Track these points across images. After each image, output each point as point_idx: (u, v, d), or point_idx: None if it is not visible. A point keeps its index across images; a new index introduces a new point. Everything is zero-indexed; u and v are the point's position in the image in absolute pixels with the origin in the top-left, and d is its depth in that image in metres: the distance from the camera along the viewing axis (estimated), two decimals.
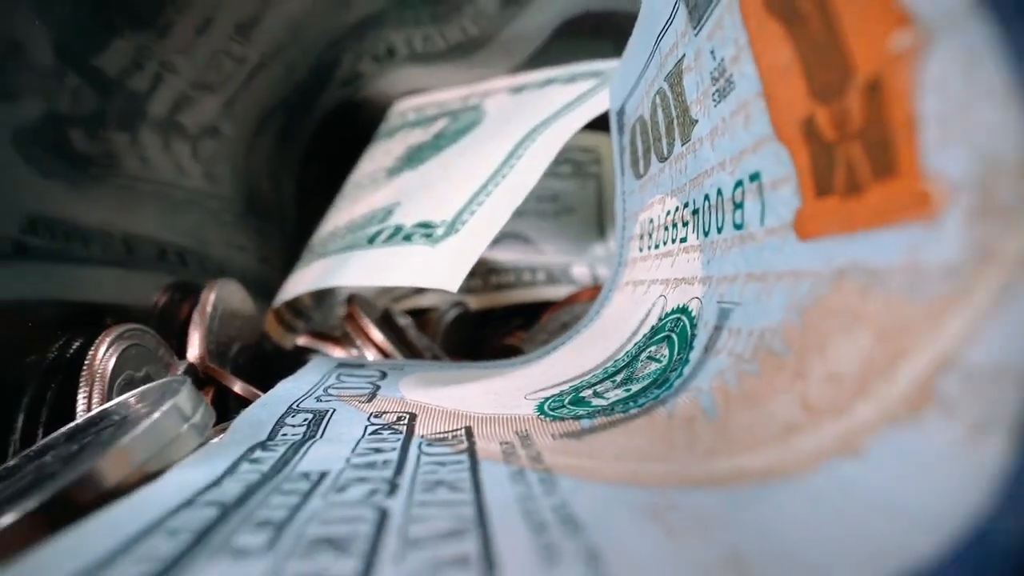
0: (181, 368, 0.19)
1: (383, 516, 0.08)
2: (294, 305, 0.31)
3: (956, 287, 0.07)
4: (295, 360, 0.27)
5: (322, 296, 0.34)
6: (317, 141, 0.42)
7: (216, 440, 0.13)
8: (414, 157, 0.29)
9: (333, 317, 0.34)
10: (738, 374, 0.11)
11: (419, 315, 0.33)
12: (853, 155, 0.08)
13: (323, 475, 0.10)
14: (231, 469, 0.11)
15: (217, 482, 0.10)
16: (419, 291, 0.33)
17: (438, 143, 0.28)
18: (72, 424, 0.14)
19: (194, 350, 0.22)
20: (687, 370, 0.13)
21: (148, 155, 0.29)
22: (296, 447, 0.12)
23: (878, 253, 0.08)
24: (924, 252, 0.07)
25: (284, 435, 0.13)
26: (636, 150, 0.20)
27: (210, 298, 0.23)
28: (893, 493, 0.07)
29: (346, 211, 0.29)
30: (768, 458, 0.08)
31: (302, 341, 0.26)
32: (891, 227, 0.08)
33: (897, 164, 0.08)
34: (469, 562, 0.07)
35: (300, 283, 0.26)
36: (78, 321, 0.21)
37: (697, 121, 0.14)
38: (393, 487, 0.09)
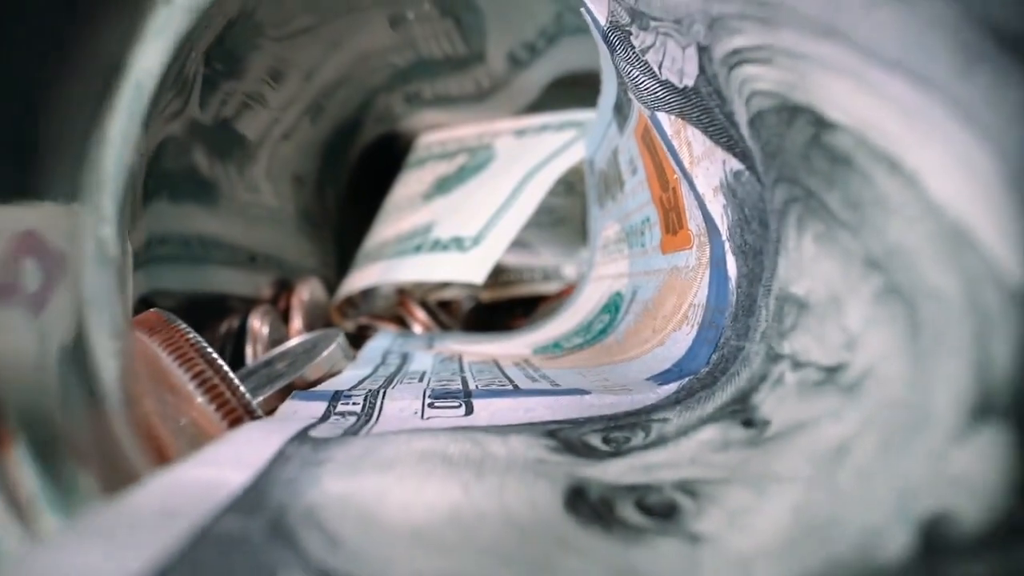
0: (300, 336, 0.30)
1: (463, 378, 0.19)
2: (349, 299, 0.42)
3: (694, 274, 0.18)
4: (356, 338, 0.38)
5: (367, 292, 0.45)
6: (358, 166, 0.53)
7: (351, 364, 0.24)
8: (443, 186, 0.40)
9: (375, 307, 0.45)
10: (635, 322, 0.22)
11: (443, 306, 0.44)
12: (672, 217, 0.20)
13: (424, 371, 0.21)
14: (375, 370, 0.22)
15: (373, 373, 0.21)
16: (443, 286, 0.44)
17: (461, 176, 0.39)
18: (263, 358, 0.25)
19: (297, 324, 0.33)
20: (614, 325, 0.24)
21: (233, 180, 0.40)
22: (400, 365, 0.23)
23: (679, 261, 0.19)
24: (688, 260, 0.18)
25: (390, 361, 0.24)
26: (600, 188, 0.31)
27: (305, 289, 0.34)
28: (668, 352, 0.18)
29: (392, 226, 0.40)
30: (634, 352, 0.20)
31: (363, 321, 0.37)
32: (682, 250, 0.19)
33: (683, 223, 0.19)
34: (501, 378, 0.18)
35: (362, 280, 0.37)
36: (215, 306, 0.32)
37: (625, 182, 0.25)
38: (461, 372, 0.20)
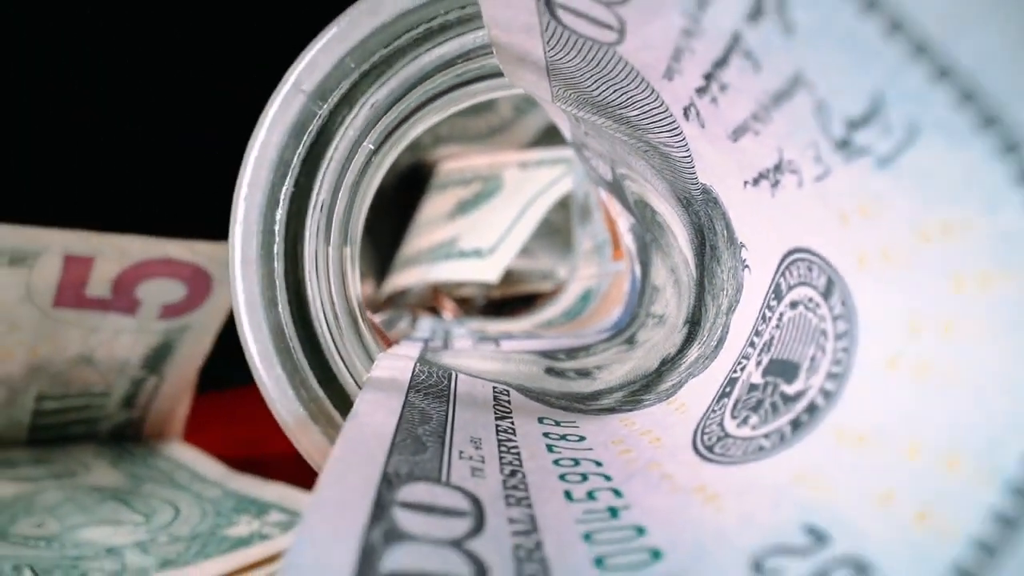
0: (376, 316, 0.44)
1: (493, 339, 0.33)
2: (389, 296, 0.56)
3: (625, 275, 0.32)
4: None
5: (402, 291, 0.59)
6: (390, 187, 0.67)
7: (414, 332, 0.38)
8: (463, 208, 0.54)
9: (408, 300, 0.59)
10: (596, 305, 0.36)
11: (462, 301, 0.58)
12: (616, 240, 0.34)
13: (464, 335, 0.35)
14: (432, 335, 0.36)
15: (431, 336, 0.35)
16: (461, 285, 0.59)
17: (477, 201, 0.54)
18: None
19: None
20: (586, 308, 0.38)
21: None
22: (447, 337, 0.37)
23: (619, 267, 0.33)
24: (623, 266, 0.33)
25: (438, 334, 0.38)
26: (581, 213, 0.46)
27: (364, 287, 0.48)
28: (610, 320, 0.32)
29: (425, 238, 0.54)
30: (594, 321, 0.34)
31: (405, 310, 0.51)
32: (621, 260, 0.33)
33: (618, 243, 0.33)
34: (515, 333, 0.32)
35: (404, 280, 0.51)
36: None
37: (593, 213, 0.40)
38: (489, 336, 0.35)
